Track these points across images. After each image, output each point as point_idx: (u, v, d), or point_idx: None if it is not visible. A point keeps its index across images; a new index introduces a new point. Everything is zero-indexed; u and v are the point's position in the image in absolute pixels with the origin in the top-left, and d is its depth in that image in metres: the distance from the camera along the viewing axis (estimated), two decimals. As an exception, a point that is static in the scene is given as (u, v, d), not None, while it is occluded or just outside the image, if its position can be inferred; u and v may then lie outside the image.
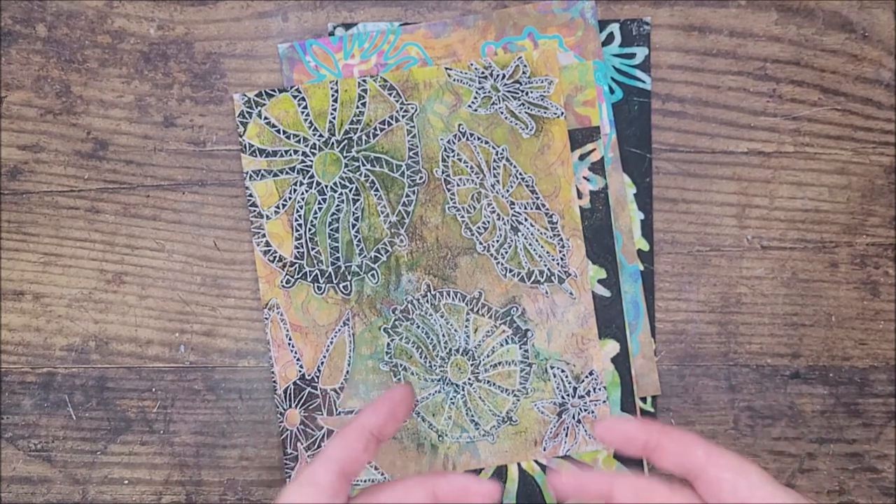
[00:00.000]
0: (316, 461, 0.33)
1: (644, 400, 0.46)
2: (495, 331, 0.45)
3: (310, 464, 0.33)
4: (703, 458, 0.32)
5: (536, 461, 0.45)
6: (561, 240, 0.46)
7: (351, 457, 0.33)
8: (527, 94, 0.46)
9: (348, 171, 0.46)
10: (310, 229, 0.46)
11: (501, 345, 0.45)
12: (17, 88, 0.47)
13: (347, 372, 0.45)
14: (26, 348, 0.46)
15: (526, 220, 0.46)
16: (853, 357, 0.46)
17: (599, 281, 0.46)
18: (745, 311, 0.46)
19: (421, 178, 0.46)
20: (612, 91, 0.46)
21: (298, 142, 0.46)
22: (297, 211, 0.46)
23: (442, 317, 0.45)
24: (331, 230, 0.46)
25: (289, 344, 0.45)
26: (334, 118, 0.46)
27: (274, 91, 0.46)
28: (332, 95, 0.46)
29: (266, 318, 0.46)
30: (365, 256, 0.46)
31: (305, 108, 0.46)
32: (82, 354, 0.46)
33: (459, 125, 0.46)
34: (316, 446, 0.45)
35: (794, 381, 0.46)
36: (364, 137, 0.46)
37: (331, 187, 0.46)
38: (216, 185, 0.47)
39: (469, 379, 0.45)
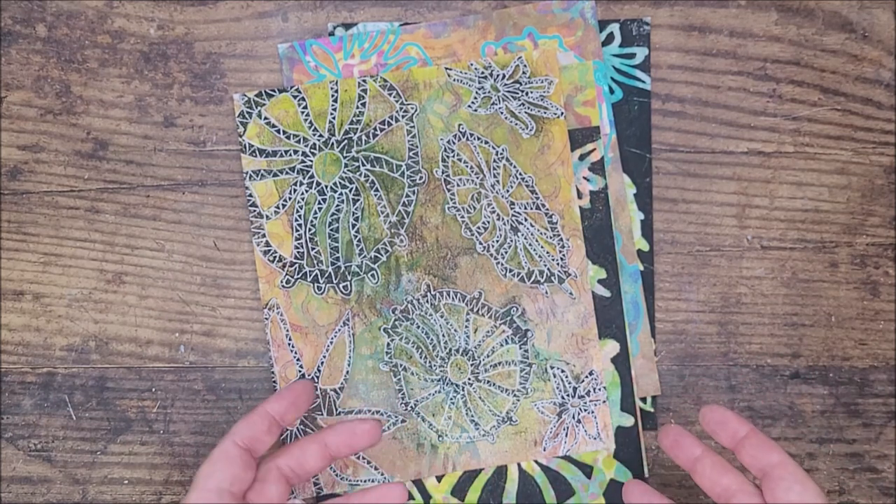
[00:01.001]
0: (224, 439, 0.37)
1: (644, 400, 0.46)
2: (495, 331, 0.45)
3: (219, 443, 0.37)
4: (776, 460, 0.36)
5: (536, 461, 0.45)
6: (561, 240, 0.46)
7: (255, 436, 0.37)
8: (527, 94, 0.46)
9: (348, 171, 0.46)
10: (310, 229, 0.46)
11: (501, 345, 0.45)
12: (17, 88, 0.47)
13: (347, 372, 0.45)
14: (26, 348, 0.46)
15: (526, 220, 0.46)
16: (853, 357, 0.46)
17: (599, 281, 0.46)
18: (745, 311, 0.46)
19: (421, 178, 0.46)
20: (612, 91, 0.46)
21: (298, 142, 0.46)
22: (297, 211, 0.46)
23: (442, 317, 0.45)
24: (331, 230, 0.46)
25: (289, 344, 0.45)
26: (334, 118, 0.46)
27: (274, 91, 0.46)
28: (332, 95, 0.46)
29: (266, 318, 0.46)
30: (365, 256, 0.46)
31: (305, 108, 0.46)
32: (82, 354, 0.46)
33: (459, 125, 0.46)
34: (316, 446, 0.45)
35: (794, 381, 0.46)
36: (364, 137, 0.46)
37: (331, 187, 0.46)
38: (216, 185, 0.47)
39: (469, 379, 0.45)
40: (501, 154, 0.46)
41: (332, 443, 0.39)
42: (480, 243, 0.46)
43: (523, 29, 0.46)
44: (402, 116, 0.46)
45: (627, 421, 0.45)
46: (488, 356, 0.45)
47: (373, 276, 0.46)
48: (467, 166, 0.46)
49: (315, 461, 0.38)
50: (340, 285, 0.46)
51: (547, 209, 0.46)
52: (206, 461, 0.36)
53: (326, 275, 0.46)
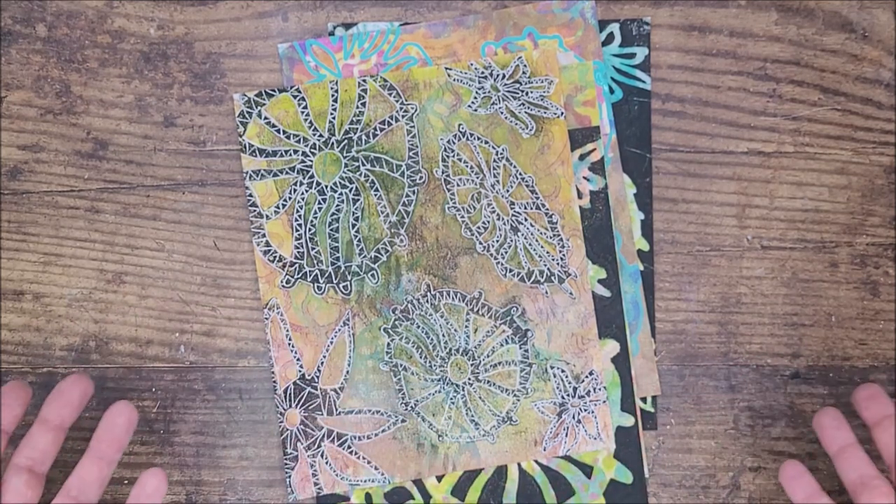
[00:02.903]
0: None
1: (644, 400, 0.46)
2: (495, 331, 0.45)
3: None
4: None
5: (536, 461, 0.45)
6: (561, 240, 0.46)
7: None
8: (527, 94, 0.46)
9: (348, 171, 0.46)
10: (310, 229, 0.46)
11: (501, 345, 0.45)
12: (17, 88, 0.47)
13: (347, 372, 0.45)
14: (26, 348, 0.46)
15: (526, 220, 0.46)
16: (853, 357, 0.46)
17: (599, 281, 0.46)
18: (745, 311, 0.46)
19: (421, 178, 0.46)
20: (612, 91, 0.46)
21: (298, 142, 0.46)
22: (297, 211, 0.46)
23: (442, 317, 0.45)
24: (331, 230, 0.46)
25: (289, 344, 0.45)
26: (334, 118, 0.46)
27: (274, 91, 0.46)
28: (332, 95, 0.46)
29: (266, 318, 0.46)
30: (365, 256, 0.46)
31: (305, 108, 0.46)
32: (82, 354, 0.46)
33: (459, 125, 0.46)
34: (316, 446, 0.45)
35: (794, 381, 0.46)
36: (364, 137, 0.46)
37: (331, 187, 0.46)
38: (216, 185, 0.47)
39: (469, 379, 0.45)
40: (501, 154, 0.46)
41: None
42: (480, 243, 0.46)
43: (523, 29, 0.46)
44: (402, 116, 0.46)
45: (627, 421, 0.45)
46: (488, 356, 0.45)
47: (373, 276, 0.46)
48: (467, 166, 0.46)
49: None
50: (340, 285, 0.46)
51: (547, 209, 0.46)
52: None
53: (326, 275, 0.46)
